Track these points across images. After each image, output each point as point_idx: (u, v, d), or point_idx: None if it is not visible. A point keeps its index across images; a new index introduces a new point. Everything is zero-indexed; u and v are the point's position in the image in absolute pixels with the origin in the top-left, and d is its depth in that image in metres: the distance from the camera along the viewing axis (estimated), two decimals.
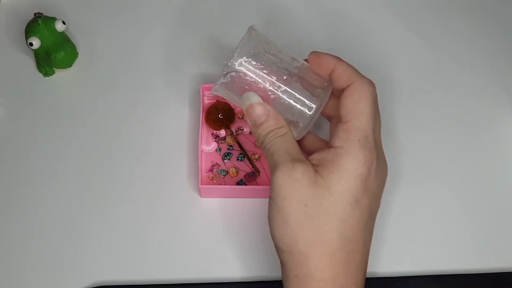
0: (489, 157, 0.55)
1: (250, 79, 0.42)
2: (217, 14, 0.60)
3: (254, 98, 0.42)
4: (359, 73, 0.41)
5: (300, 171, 0.38)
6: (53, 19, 0.53)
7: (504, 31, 0.61)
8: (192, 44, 0.58)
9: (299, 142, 0.45)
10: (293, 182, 0.38)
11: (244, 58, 0.42)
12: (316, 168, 0.39)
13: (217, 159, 0.52)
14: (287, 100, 0.42)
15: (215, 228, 0.50)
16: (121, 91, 0.55)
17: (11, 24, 0.58)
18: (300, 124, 0.43)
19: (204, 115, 0.52)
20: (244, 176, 0.51)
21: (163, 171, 0.52)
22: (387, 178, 0.41)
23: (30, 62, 0.56)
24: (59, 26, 0.53)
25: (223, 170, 0.51)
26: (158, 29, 0.59)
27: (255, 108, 0.41)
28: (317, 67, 0.43)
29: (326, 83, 0.43)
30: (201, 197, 0.51)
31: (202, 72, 0.56)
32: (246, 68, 0.42)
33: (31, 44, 0.52)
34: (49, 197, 0.50)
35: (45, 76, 0.56)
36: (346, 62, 0.42)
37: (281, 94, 0.42)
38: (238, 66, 0.42)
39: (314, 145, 0.46)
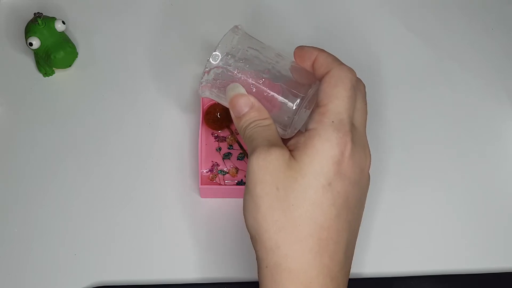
0: (488, 156, 0.55)
1: (233, 74, 0.41)
2: (218, 15, 0.60)
3: (238, 89, 0.41)
4: (338, 60, 0.40)
5: (274, 154, 0.37)
6: (53, 19, 0.53)
7: (504, 31, 0.61)
8: (192, 44, 0.58)
9: (287, 140, 0.43)
10: (266, 165, 0.37)
11: (226, 53, 0.41)
12: (291, 153, 0.38)
13: (217, 159, 0.52)
14: (270, 93, 0.41)
15: (215, 228, 0.50)
16: (120, 91, 0.55)
17: (11, 24, 0.58)
18: (286, 118, 0.41)
19: (203, 115, 0.52)
20: (244, 176, 0.51)
21: (162, 171, 0.52)
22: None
23: (30, 62, 0.56)
24: (59, 26, 0.53)
25: (223, 170, 0.51)
26: (158, 29, 0.59)
27: (238, 99, 0.40)
28: (300, 60, 0.42)
29: (312, 79, 0.41)
30: (201, 197, 0.51)
31: (202, 72, 0.56)
32: (227, 63, 0.41)
33: (31, 44, 0.52)
34: (49, 197, 0.50)
35: (45, 76, 0.55)
36: (328, 52, 0.41)
37: (264, 88, 0.41)
38: (218, 61, 0.41)
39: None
